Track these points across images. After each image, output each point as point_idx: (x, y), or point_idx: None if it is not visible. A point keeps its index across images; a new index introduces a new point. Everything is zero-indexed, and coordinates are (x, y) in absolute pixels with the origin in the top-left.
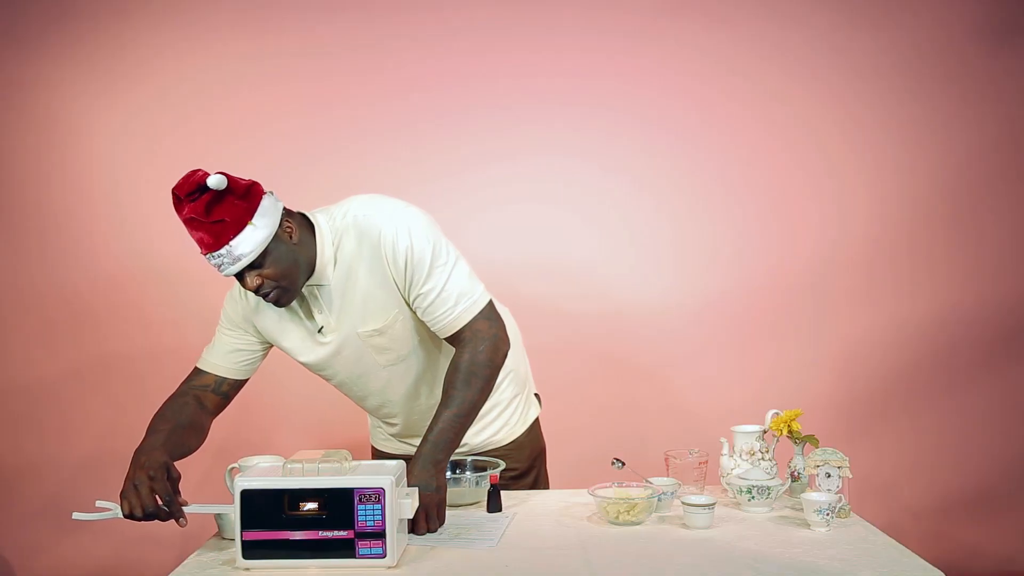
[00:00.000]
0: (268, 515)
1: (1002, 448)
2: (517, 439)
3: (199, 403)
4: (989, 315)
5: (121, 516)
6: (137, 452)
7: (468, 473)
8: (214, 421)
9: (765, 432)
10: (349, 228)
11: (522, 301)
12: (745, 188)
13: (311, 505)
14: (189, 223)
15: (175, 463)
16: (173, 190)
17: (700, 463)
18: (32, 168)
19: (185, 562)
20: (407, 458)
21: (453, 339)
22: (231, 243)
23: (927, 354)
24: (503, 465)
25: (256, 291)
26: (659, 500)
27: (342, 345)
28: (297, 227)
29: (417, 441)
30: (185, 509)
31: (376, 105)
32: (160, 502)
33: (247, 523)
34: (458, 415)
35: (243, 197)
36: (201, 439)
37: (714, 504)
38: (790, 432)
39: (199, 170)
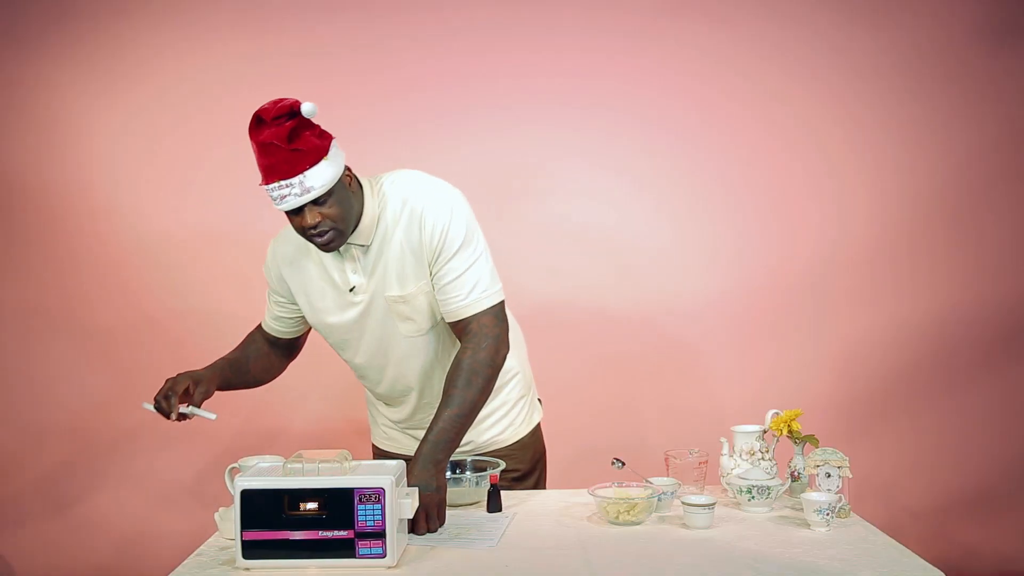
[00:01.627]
0: (268, 515)
1: (1002, 448)
2: (521, 440)
3: (269, 344)
4: (989, 315)
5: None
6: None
7: (468, 473)
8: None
9: (765, 432)
10: (395, 195)
11: (522, 301)
12: (745, 188)
13: (311, 505)
14: (264, 148)
15: (235, 388)
16: (257, 113)
17: (700, 463)
18: (32, 168)
19: (185, 562)
20: (408, 458)
21: (458, 328)
22: (305, 173)
23: (927, 354)
24: (503, 465)
25: (313, 228)
26: (659, 500)
27: (370, 306)
28: (353, 179)
29: (420, 434)
30: (182, 409)
31: (376, 105)
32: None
33: (247, 523)
34: (459, 415)
35: (320, 136)
36: (270, 372)
37: (714, 504)
38: (790, 432)
39: (287, 98)
